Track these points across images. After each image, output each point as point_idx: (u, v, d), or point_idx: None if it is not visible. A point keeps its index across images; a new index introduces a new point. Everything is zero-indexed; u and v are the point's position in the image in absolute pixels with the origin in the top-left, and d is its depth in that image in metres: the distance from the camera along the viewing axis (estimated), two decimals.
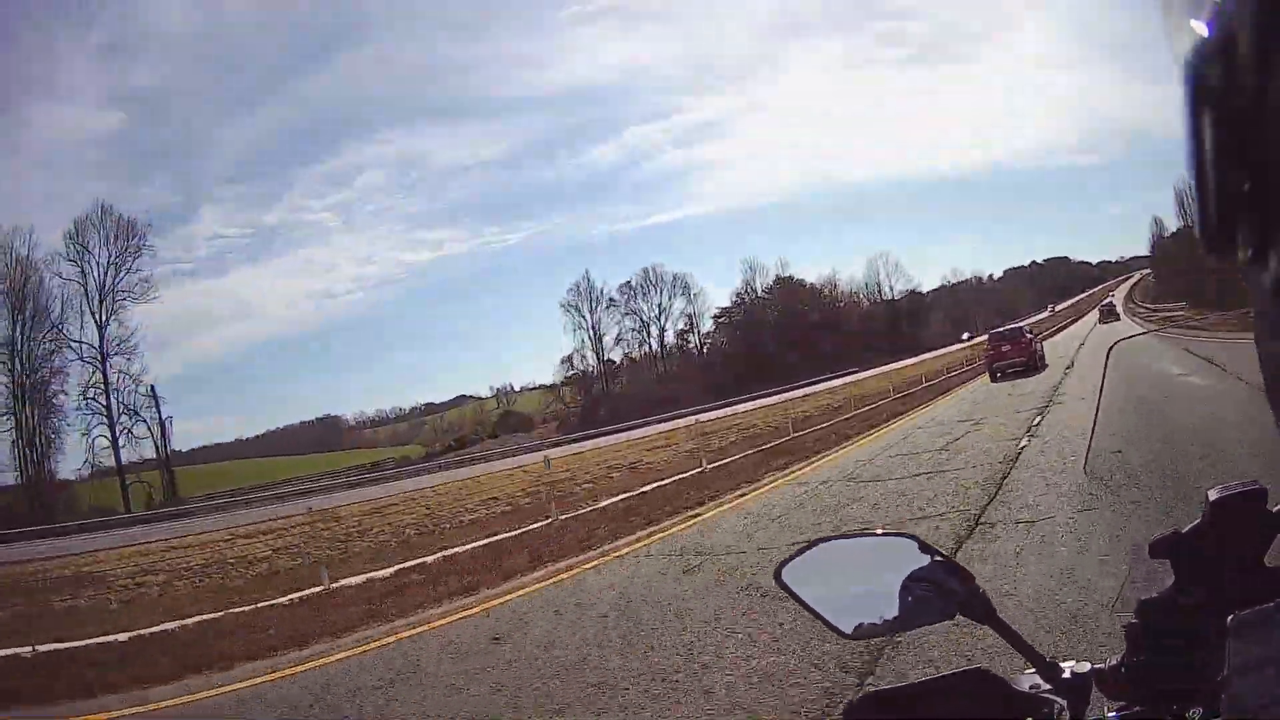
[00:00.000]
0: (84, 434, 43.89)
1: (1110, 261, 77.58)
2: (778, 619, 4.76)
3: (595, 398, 62.77)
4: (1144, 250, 69.59)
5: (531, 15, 77.69)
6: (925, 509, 7.39)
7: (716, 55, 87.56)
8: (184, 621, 8.83)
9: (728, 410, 35.13)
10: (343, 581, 9.94)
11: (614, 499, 13.30)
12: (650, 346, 65.24)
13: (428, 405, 67.21)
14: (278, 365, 75.43)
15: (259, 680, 6.04)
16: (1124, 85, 74.43)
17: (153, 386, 45.85)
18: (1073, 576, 4.48)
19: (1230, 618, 0.63)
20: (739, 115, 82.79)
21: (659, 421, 37.50)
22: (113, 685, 6.33)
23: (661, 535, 9.17)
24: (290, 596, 9.55)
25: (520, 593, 7.56)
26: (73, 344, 44.26)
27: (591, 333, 63.45)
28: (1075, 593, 4.20)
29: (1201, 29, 0.42)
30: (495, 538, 11.52)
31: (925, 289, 69.00)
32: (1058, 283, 73.19)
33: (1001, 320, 46.82)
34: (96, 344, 44.58)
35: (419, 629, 6.87)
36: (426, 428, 65.48)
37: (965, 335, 55.79)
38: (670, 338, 65.47)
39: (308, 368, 77.46)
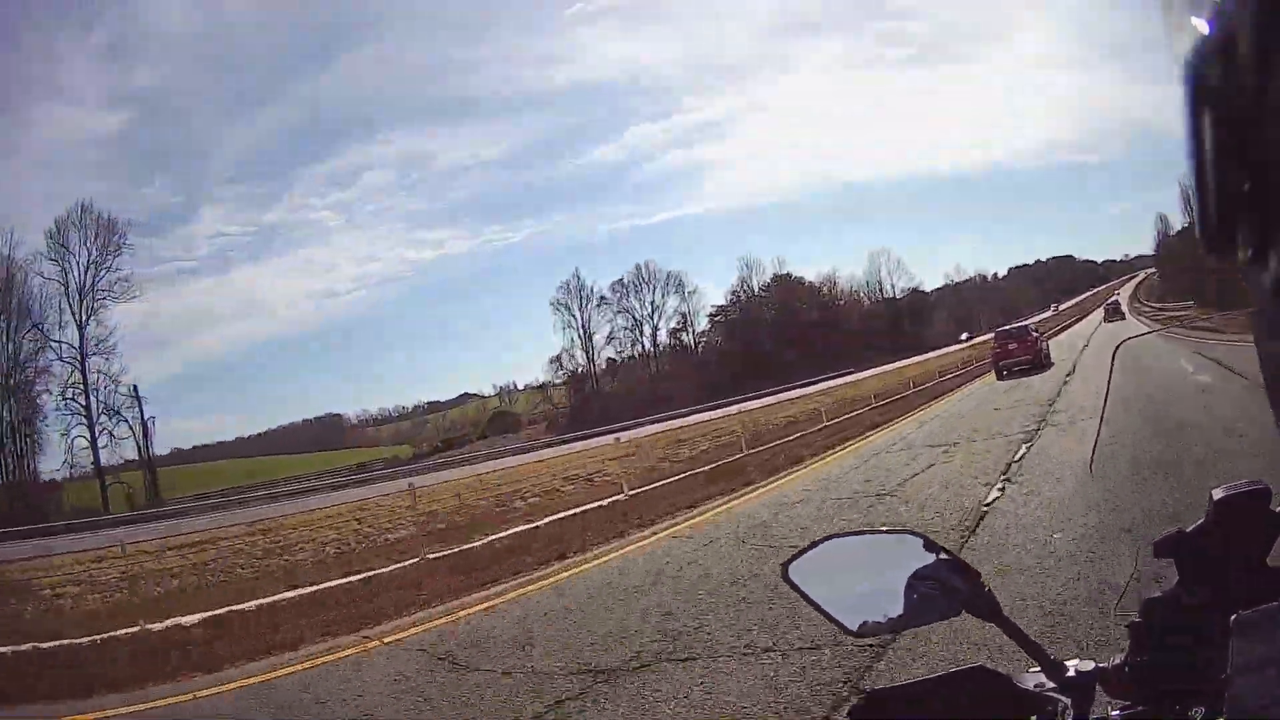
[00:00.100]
0: (63, 434, 44.42)
1: (1115, 260, 78.18)
2: None
3: (585, 398, 62.74)
4: (1149, 249, 70.21)
5: (533, 15, 78.55)
6: (784, 637, 4.70)
7: (717, 55, 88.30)
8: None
9: (716, 413, 35.16)
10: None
11: (500, 534, 11.75)
12: (643, 345, 65.34)
13: (430, 404, 68.13)
14: (280, 363, 76.35)
15: None
16: (1125, 85, 75.14)
17: (134, 386, 46.26)
18: None
19: (1233, 617, 0.65)
20: (740, 115, 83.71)
21: (650, 423, 37.50)
22: None
23: (478, 607, 7.36)
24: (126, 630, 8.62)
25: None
26: (53, 343, 44.81)
27: (581, 332, 63.53)
28: None
29: (1201, 29, 0.43)
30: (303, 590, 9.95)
31: (928, 287, 69.56)
32: (1062, 282, 73.66)
33: (1006, 319, 47.09)
34: (76, 344, 45.13)
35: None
36: (429, 426, 66.19)
37: (964, 336, 56.02)
38: (664, 336, 65.58)
39: (310, 366, 78.12)
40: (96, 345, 45.29)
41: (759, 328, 65.09)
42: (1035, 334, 25.88)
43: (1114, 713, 0.83)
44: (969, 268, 74.04)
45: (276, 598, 9.68)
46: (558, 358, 64.25)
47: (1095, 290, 73.93)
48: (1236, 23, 0.42)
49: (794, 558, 1.00)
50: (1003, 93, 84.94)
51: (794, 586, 0.99)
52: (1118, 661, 0.85)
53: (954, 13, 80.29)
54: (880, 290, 68.21)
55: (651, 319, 64.93)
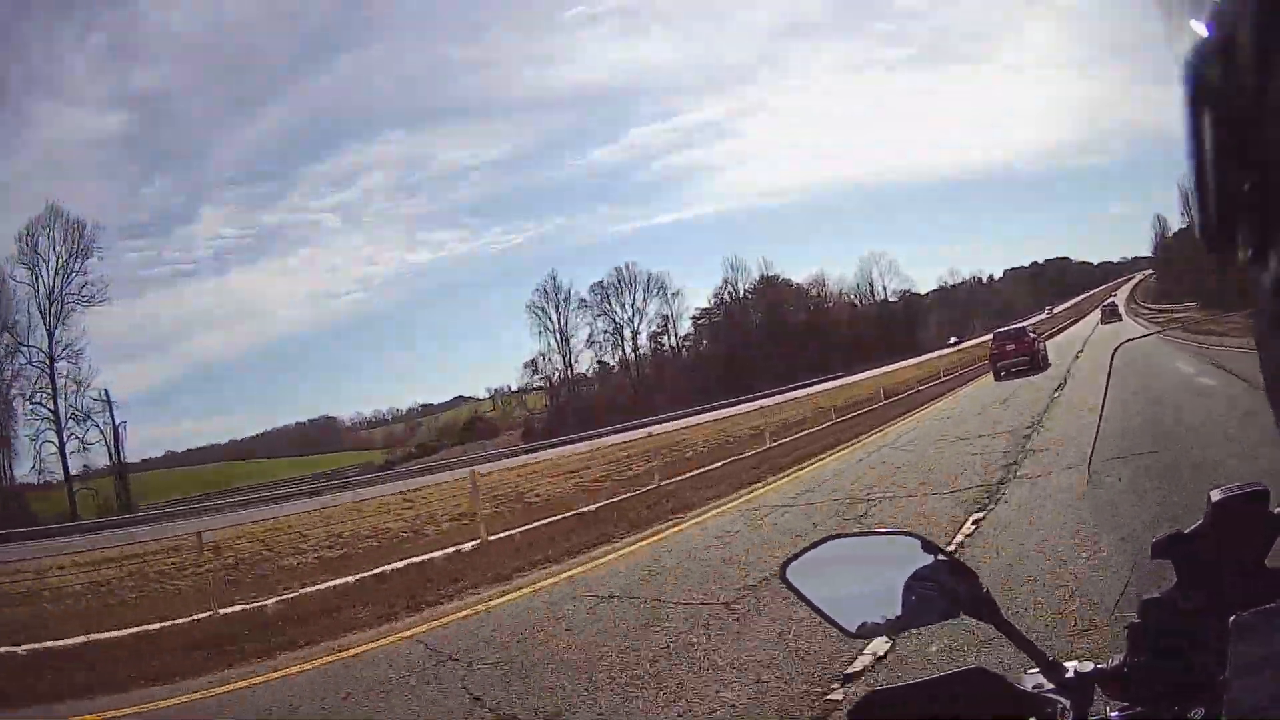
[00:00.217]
0: (32, 439, 45.17)
1: (1112, 262, 79.59)
2: None
3: (561, 403, 62.66)
4: (1146, 250, 71.51)
5: (532, 17, 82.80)
6: None
7: (718, 57, 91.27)
8: None
9: (688, 421, 35.31)
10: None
11: (308, 588, 9.95)
12: (624, 349, 65.44)
13: (424, 406, 69.68)
14: (277, 366, 78.66)
15: None
16: (1125, 85, 76.99)
17: (106, 391, 47.25)
18: None
19: (1232, 619, 0.67)
20: (740, 117, 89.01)
21: (628, 429, 37.56)
22: None
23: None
24: None
25: None
26: (24, 348, 45.59)
27: (558, 335, 63.56)
28: None
29: (1201, 29, 0.45)
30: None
31: (923, 290, 70.58)
32: (1059, 284, 74.77)
33: (1001, 322, 47.67)
34: (46, 348, 45.88)
35: None
36: (422, 429, 67.33)
37: (952, 340, 56.80)
38: (644, 340, 65.74)
39: (308, 368, 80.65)
40: (64, 350, 46.31)
41: (743, 331, 65.42)
42: (1032, 335, 27.11)
43: (1113, 714, 0.85)
44: (964, 270, 75.31)
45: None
46: (532, 362, 64.32)
47: (1092, 292, 75.05)
48: (1236, 23, 0.44)
49: (792, 558, 1.03)
50: (1002, 94, 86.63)
51: (791, 587, 1.01)
52: (1116, 663, 0.88)
53: (954, 14, 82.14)
54: (871, 293, 68.91)
55: (632, 322, 65.11)
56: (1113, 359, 2.00)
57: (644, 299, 65.16)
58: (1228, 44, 0.44)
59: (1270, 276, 0.48)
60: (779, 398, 34.08)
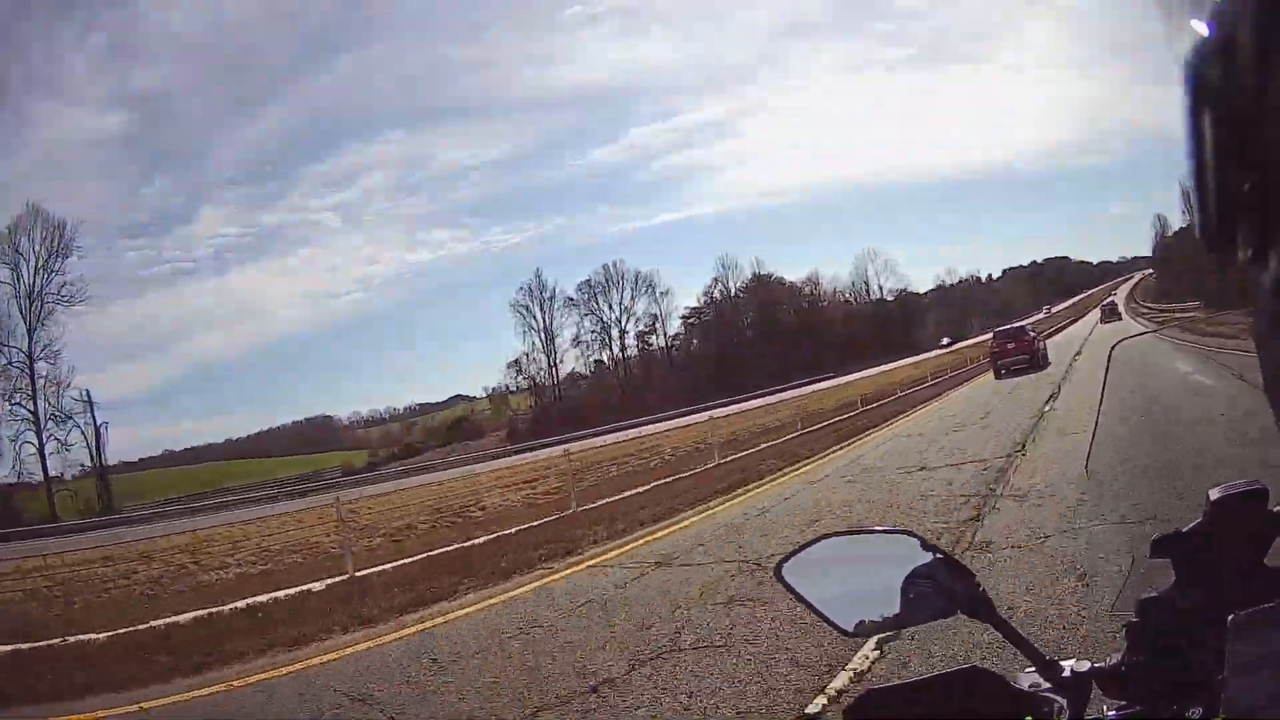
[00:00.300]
0: (13, 440, 45.62)
1: (1111, 261, 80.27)
2: None
3: (546, 405, 62.57)
4: (1146, 250, 72.16)
5: (530, 16, 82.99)
6: None
7: (718, 57, 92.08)
8: None
9: (677, 422, 35.38)
10: None
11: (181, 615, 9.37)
12: (612, 349, 65.42)
13: (422, 405, 70.55)
14: (276, 365, 79.20)
15: None
16: (1125, 85, 77.85)
17: (87, 391, 47.89)
18: None
19: (1230, 618, 0.69)
20: (740, 117, 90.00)
21: (615, 431, 37.64)
22: None
23: None
24: None
25: None
26: (4, 348, 46.13)
27: (542, 335, 63.51)
28: None
29: (1201, 29, 0.47)
30: None
31: (921, 289, 71.18)
32: (1058, 283, 75.35)
33: (1000, 321, 48.05)
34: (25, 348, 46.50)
35: None
36: (418, 428, 68.10)
37: (945, 340, 57.10)
38: (632, 339, 65.77)
39: (307, 367, 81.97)
40: (42, 350, 46.89)
41: (734, 330, 65.57)
42: (1032, 334, 28.34)
43: (1110, 713, 0.87)
44: (962, 269, 75.96)
45: None
46: (516, 362, 64.21)
47: (1090, 291, 75.65)
48: (1236, 23, 0.45)
49: (788, 557, 1.05)
50: (1001, 94, 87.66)
51: (787, 586, 1.03)
52: (1114, 661, 0.90)
53: (953, 15, 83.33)
54: (867, 292, 69.16)
55: (620, 322, 65.12)
56: (1110, 357, 2.02)
57: (632, 297, 65.25)
58: (1228, 44, 0.45)
59: (1270, 276, 0.49)
60: (767, 399, 34.00)
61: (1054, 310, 68.64)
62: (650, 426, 32.39)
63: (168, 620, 9.17)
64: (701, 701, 4.24)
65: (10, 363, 45.94)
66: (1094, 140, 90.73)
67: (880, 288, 69.26)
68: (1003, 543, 6.08)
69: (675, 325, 67.29)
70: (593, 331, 64.67)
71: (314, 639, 7.26)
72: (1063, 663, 0.91)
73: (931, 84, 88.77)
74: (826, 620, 1.01)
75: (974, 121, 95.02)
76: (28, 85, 71.01)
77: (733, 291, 67.40)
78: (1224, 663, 0.68)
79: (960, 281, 73.67)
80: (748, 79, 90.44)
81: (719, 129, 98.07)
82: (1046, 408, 14.10)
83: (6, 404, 45.69)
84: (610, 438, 26.76)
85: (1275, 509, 0.86)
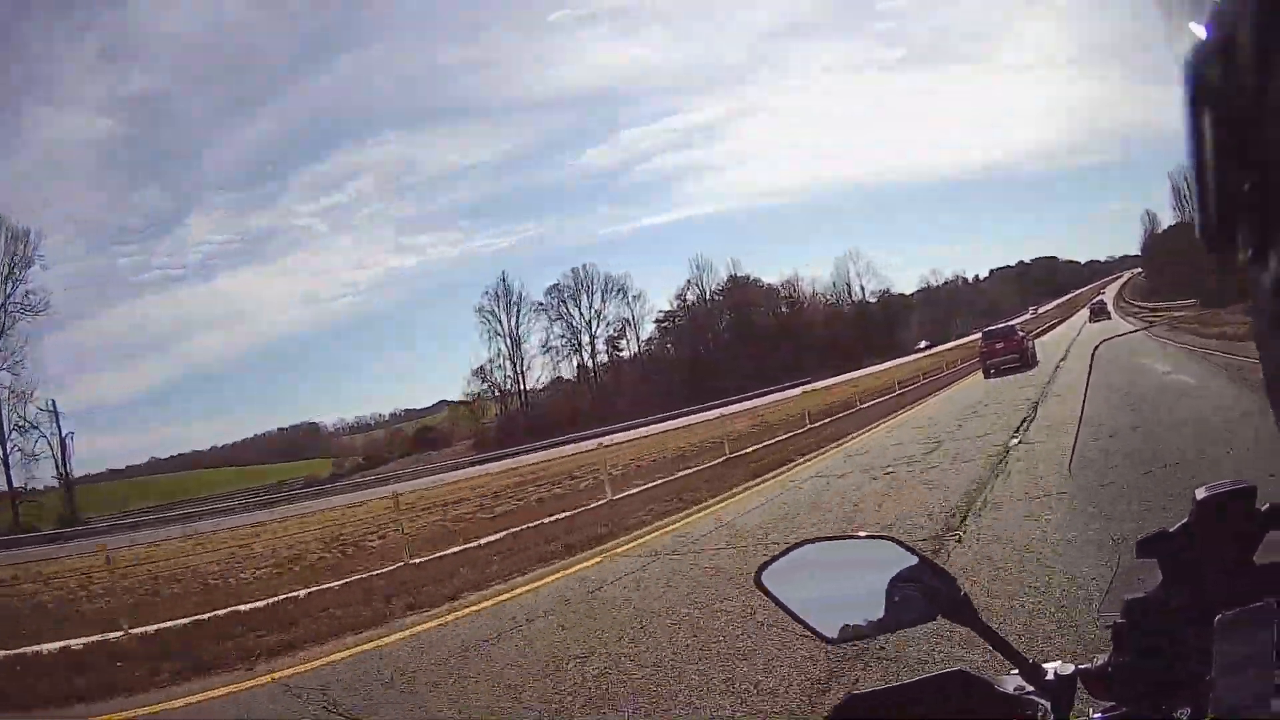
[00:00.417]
0: None
1: (1099, 261, 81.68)
2: None
3: (511, 414, 62.29)
4: (1135, 249, 73.48)
5: (531, 18, 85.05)
6: None
7: (716, 57, 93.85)
8: None
9: (635, 433, 35.52)
10: None
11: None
12: (583, 355, 65.33)
13: (407, 411, 71.06)
14: (262, 371, 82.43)
15: None
16: (1124, 85, 79.56)
17: (52, 402, 48.96)
18: None
19: (1217, 617, 0.71)
20: (739, 117, 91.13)
21: (579, 440, 37.62)
22: None
23: None
24: None
25: None
26: None
27: (509, 341, 63.27)
28: None
29: (1201, 29, 0.49)
30: None
31: (906, 290, 71.96)
32: (1046, 283, 76.46)
33: (987, 321, 48.63)
34: None
35: None
36: (392, 436, 68.52)
37: (922, 344, 57.87)
38: (600, 345, 65.74)
39: (293, 373, 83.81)
40: (6, 363, 47.81)
41: (709, 334, 65.77)
42: (1021, 334, 29.36)
43: (1096, 714, 0.89)
44: (948, 270, 76.93)
45: None
46: (481, 369, 63.87)
47: (1078, 291, 76.81)
48: (1236, 23, 0.47)
49: (768, 564, 1.06)
50: (1000, 94, 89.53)
51: (767, 593, 1.05)
52: (1100, 663, 0.92)
53: (952, 15, 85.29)
54: (849, 293, 69.69)
55: (590, 328, 65.08)
56: (1093, 357, 2.07)
57: (603, 302, 65.25)
58: (1228, 44, 0.47)
59: (1270, 276, 0.51)
60: (728, 408, 33.85)
61: (1040, 310, 69.51)
62: (607, 438, 32.36)
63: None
64: None
65: None
66: (1093, 140, 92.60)
67: (862, 289, 69.92)
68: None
69: (650, 330, 67.50)
70: (562, 337, 64.65)
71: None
72: (1047, 665, 0.93)
73: (930, 84, 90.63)
74: (808, 627, 1.03)
75: (973, 122, 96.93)
76: (21, 89, 72.26)
77: (707, 294, 67.71)
78: (1211, 662, 0.71)
79: (946, 282, 74.66)
80: (746, 79, 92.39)
81: (717, 129, 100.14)
82: (1022, 426, 12.09)
83: None
84: (552, 453, 26.56)
85: (1263, 508, 0.88)
